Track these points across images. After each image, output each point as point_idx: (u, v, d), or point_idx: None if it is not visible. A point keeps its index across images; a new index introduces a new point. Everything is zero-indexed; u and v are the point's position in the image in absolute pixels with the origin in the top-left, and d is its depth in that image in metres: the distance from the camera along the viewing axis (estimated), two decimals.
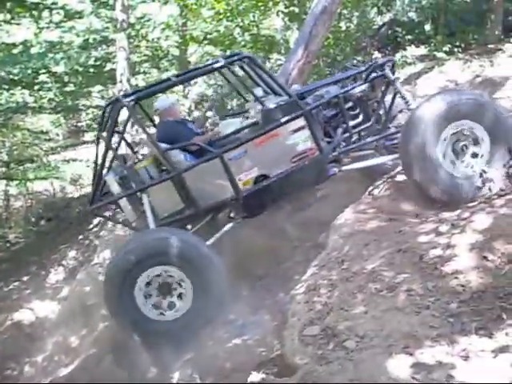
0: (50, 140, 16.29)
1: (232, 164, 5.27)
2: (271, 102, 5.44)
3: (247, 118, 6.04)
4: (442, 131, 4.80)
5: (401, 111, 6.07)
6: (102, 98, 15.94)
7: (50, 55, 11.46)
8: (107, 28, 12.57)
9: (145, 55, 14.65)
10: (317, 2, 8.21)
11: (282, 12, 12.37)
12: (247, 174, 5.34)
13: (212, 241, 5.47)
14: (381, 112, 5.94)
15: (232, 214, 5.99)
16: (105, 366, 5.15)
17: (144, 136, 5.77)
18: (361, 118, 5.87)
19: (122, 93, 5.92)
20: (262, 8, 12.52)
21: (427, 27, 12.39)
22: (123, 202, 5.44)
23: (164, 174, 5.47)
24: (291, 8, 12.15)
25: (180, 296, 5.01)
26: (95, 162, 5.85)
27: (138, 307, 4.97)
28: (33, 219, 14.35)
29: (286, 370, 3.33)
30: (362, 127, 5.85)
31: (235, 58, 5.65)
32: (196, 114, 13.87)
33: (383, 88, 5.81)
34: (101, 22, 13.14)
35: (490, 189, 4.34)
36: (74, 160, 14.69)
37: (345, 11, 12.61)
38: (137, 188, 5.38)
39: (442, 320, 3.11)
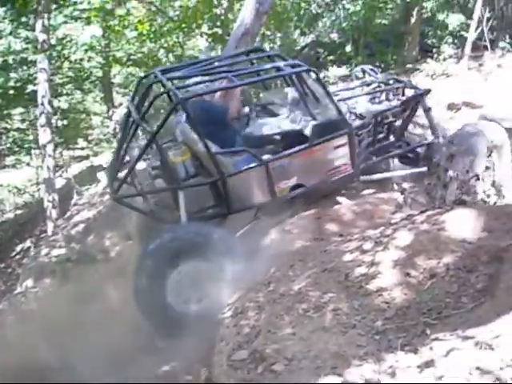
0: None
1: (275, 172, 5.34)
2: (320, 115, 5.52)
3: (275, 114, 6.18)
4: None
5: None
6: (23, 120, 15.51)
7: None
8: (27, 49, 12.24)
9: (67, 76, 14.39)
10: (239, 23, 8.27)
11: (206, 33, 12.43)
12: (286, 183, 5.46)
13: (239, 234, 5.50)
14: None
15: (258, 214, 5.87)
16: None
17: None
18: (385, 133, 6.25)
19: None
20: (186, 29, 12.53)
21: (348, 48, 12.75)
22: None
23: (200, 169, 5.50)
24: (214, 29, 12.24)
25: (209, 289, 4.97)
26: (119, 144, 5.72)
27: (168, 301, 4.95)
28: None
29: None
30: (384, 144, 6.18)
31: (302, 69, 5.66)
32: None
33: (410, 111, 6.21)
34: (21, 42, 12.79)
35: None
36: None
37: (268, 32, 12.79)
38: (175, 184, 5.33)
39: (368, 338, 3.13)
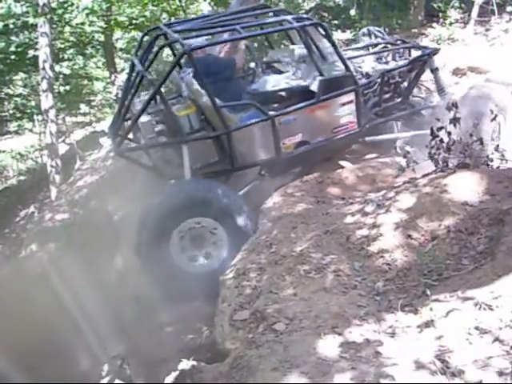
0: None
1: (281, 128, 5.30)
2: (328, 71, 5.45)
3: (281, 72, 6.09)
4: None
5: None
6: (25, 86, 15.43)
7: None
8: (27, 13, 12.10)
9: (69, 41, 14.22)
10: None
11: None
12: (291, 139, 5.44)
13: (242, 192, 5.51)
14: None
15: (263, 172, 5.84)
16: None
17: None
18: (391, 93, 6.17)
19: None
20: None
21: (352, 12, 12.57)
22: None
23: (205, 124, 5.42)
24: None
25: (215, 244, 5.08)
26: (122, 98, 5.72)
27: (172, 259, 5.00)
28: None
29: (218, 355, 3.31)
30: (391, 103, 6.12)
31: (310, 22, 5.55)
32: None
33: (417, 71, 6.14)
34: (21, 6, 12.63)
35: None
36: None
37: None
38: (178, 139, 5.29)
39: (369, 299, 3.16)
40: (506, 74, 7.48)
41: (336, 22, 12.80)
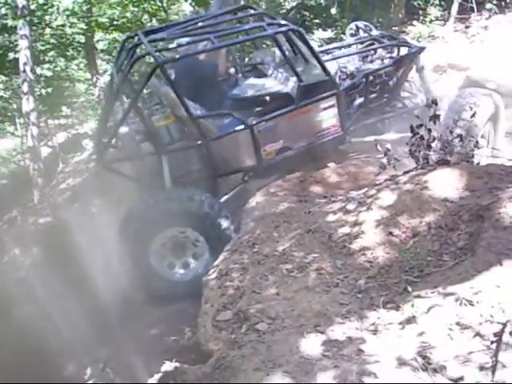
0: None
1: (260, 135, 5.27)
2: (307, 76, 5.39)
3: (264, 75, 6.10)
4: None
5: None
6: (6, 89, 15.30)
7: None
8: (6, 15, 11.99)
9: (49, 43, 14.10)
10: None
11: None
12: (272, 146, 5.39)
13: (225, 199, 5.48)
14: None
15: (246, 178, 5.82)
16: None
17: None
18: (377, 93, 6.07)
19: None
20: None
21: (333, 11, 12.59)
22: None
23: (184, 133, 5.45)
24: None
25: (195, 256, 5.10)
26: (103, 109, 5.71)
27: (152, 265, 5.05)
28: None
29: (202, 357, 3.31)
30: (377, 104, 6.04)
31: (285, 29, 5.42)
32: None
33: (404, 70, 6.08)
34: (0, 8, 12.52)
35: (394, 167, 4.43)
36: None
37: None
38: (157, 150, 5.29)
39: (351, 296, 3.16)
40: (484, 72, 7.53)
41: (317, 20, 12.81)
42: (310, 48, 5.52)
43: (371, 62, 6.29)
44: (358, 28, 7.13)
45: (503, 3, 12.54)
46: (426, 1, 12.77)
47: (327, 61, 5.98)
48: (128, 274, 5.03)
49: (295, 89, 5.38)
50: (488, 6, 12.52)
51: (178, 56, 5.43)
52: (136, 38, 5.73)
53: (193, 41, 5.52)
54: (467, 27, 11.81)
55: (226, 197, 5.54)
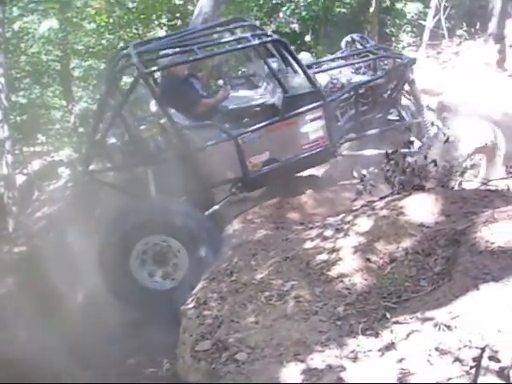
0: None
1: (245, 147, 5.23)
2: (293, 87, 5.37)
3: (256, 86, 6.07)
4: None
5: None
6: None
7: None
8: None
9: (25, 71, 14.04)
10: (197, 13, 8.24)
11: (165, 24, 12.30)
12: (258, 158, 5.33)
13: (210, 212, 5.41)
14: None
15: (233, 190, 5.67)
16: None
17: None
18: (368, 106, 5.93)
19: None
20: (145, 21, 12.39)
21: (308, 38, 12.72)
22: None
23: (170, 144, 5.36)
24: (174, 21, 12.12)
25: (175, 266, 5.04)
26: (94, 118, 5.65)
27: (132, 273, 5.00)
28: None
29: None
30: (369, 117, 5.88)
31: (269, 39, 5.46)
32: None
33: (396, 83, 5.93)
34: None
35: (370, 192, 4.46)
36: None
37: None
38: (144, 160, 5.27)
39: (330, 324, 3.15)
40: (457, 97, 7.64)
41: (292, 47, 12.91)
42: (295, 59, 5.51)
43: (364, 73, 6.20)
44: (353, 40, 7.05)
45: (473, 30, 12.84)
46: (398, 28, 13.00)
47: (318, 72, 6.00)
48: (105, 278, 5.04)
49: (280, 100, 5.37)
50: (459, 32, 12.80)
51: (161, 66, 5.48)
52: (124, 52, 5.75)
53: (176, 52, 5.49)
54: (439, 53, 12.04)
55: (212, 209, 5.48)
